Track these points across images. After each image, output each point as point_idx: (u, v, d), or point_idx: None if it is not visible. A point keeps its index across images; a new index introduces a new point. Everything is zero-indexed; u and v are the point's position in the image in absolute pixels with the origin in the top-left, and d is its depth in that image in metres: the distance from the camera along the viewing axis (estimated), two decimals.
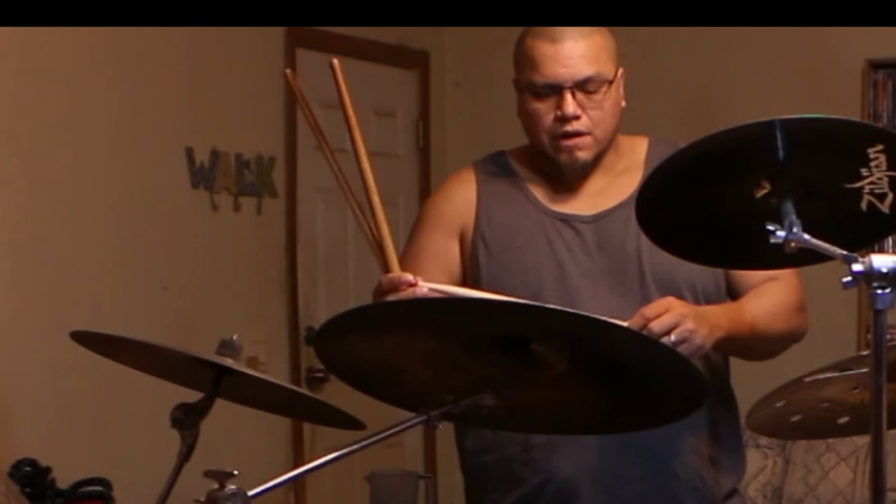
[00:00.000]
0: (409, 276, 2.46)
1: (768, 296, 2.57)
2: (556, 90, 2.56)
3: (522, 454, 2.60)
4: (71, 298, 3.99)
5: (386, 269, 2.49)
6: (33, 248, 3.94)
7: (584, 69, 2.55)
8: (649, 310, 2.38)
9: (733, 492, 2.69)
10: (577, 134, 2.57)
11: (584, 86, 2.56)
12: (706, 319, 2.42)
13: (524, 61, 2.60)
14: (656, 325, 2.35)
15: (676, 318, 2.37)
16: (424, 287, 2.45)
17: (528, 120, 2.61)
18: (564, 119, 2.56)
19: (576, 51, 2.55)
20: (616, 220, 2.60)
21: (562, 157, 2.59)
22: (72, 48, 4.03)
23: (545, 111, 2.58)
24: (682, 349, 2.33)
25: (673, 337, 2.35)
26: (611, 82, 2.58)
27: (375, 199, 2.51)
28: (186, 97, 4.46)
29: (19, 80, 3.90)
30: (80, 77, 4.08)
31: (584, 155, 2.59)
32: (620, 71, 2.62)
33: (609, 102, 2.58)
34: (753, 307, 2.55)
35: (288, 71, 2.61)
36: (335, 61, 2.54)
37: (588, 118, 2.57)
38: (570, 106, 2.55)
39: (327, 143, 2.58)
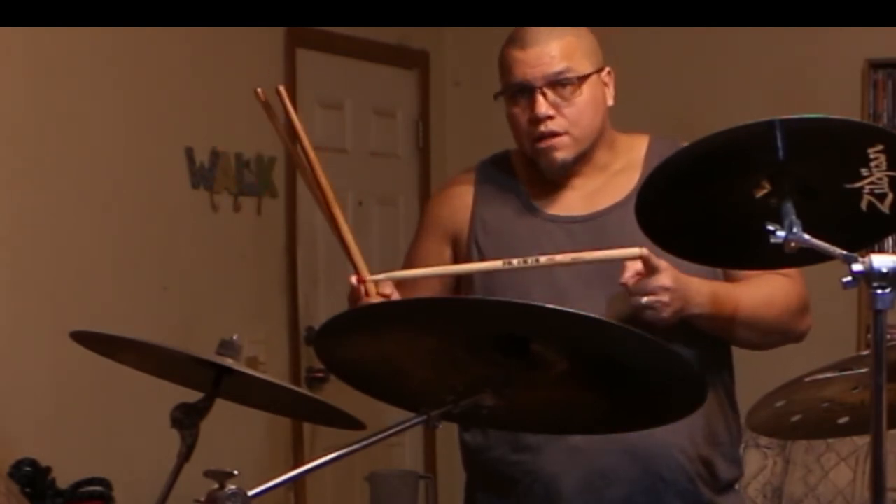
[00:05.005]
0: (352, 278, 2.52)
1: (766, 286, 2.56)
2: (528, 91, 2.56)
3: (511, 454, 2.61)
4: (71, 298, 3.99)
5: (356, 271, 2.53)
6: (33, 247, 3.94)
7: (553, 66, 2.55)
8: (647, 264, 2.39)
9: (730, 491, 2.69)
10: (553, 134, 2.57)
11: (555, 84, 2.55)
12: (683, 295, 2.44)
13: (501, 69, 2.62)
14: (633, 283, 2.39)
15: (656, 288, 2.39)
16: (370, 281, 2.50)
17: (511, 126, 2.63)
18: (537, 120, 2.56)
19: (545, 51, 2.56)
20: (611, 219, 2.59)
21: (541, 159, 2.60)
22: (72, 48, 4.03)
23: (521, 115, 2.59)
24: (646, 314, 2.38)
25: (643, 300, 2.38)
26: (584, 77, 2.57)
27: (337, 210, 2.53)
28: (186, 97, 4.46)
29: (19, 80, 3.90)
30: (80, 77, 4.08)
31: (561, 155, 2.59)
32: (606, 70, 2.62)
33: (584, 99, 2.57)
34: (744, 293, 2.54)
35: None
36: (281, 88, 2.54)
37: (563, 117, 2.56)
38: (542, 106, 2.55)
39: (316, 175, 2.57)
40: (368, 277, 2.49)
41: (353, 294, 2.53)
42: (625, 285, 2.41)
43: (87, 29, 3.96)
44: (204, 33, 4.41)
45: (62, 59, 4.02)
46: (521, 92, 2.57)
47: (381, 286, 2.51)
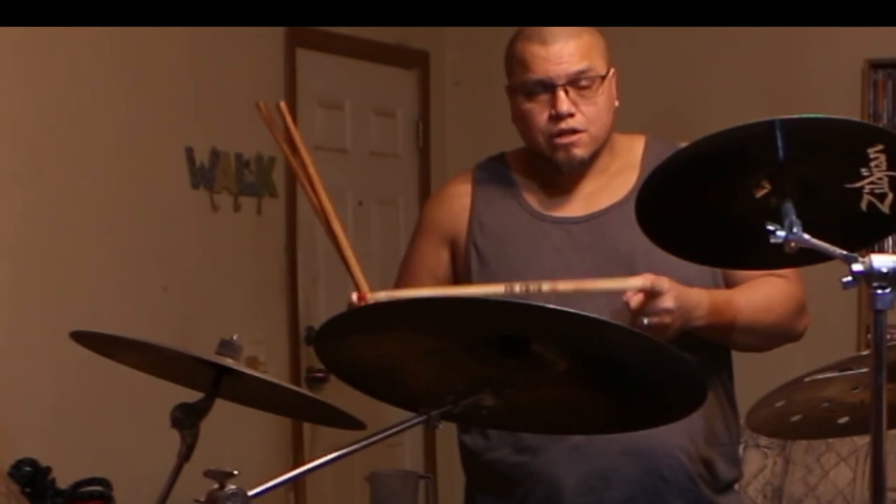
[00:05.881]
0: (353, 296, 2.47)
1: (763, 290, 2.57)
2: (548, 88, 2.56)
3: (512, 456, 2.61)
4: (71, 298, 3.99)
5: (356, 288, 2.50)
6: (33, 247, 3.94)
7: (575, 64, 2.56)
8: (650, 285, 2.38)
9: (730, 492, 2.69)
10: (573, 132, 2.57)
11: (576, 81, 2.56)
12: (685, 314, 2.44)
13: (515, 64, 2.61)
14: (635, 304, 2.38)
15: (659, 311, 2.39)
16: (371, 299, 2.46)
17: (523, 122, 2.62)
18: (559, 117, 2.56)
19: (566, 49, 2.56)
20: (609, 220, 2.60)
21: (558, 155, 2.59)
22: (72, 48, 4.03)
23: (539, 111, 2.58)
24: (647, 332, 2.36)
25: (645, 321, 2.38)
26: (603, 77, 2.58)
27: (336, 226, 2.51)
28: (186, 97, 4.46)
29: (19, 80, 3.90)
30: (80, 77, 4.08)
31: (580, 152, 2.59)
32: (612, 71, 2.62)
33: (603, 98, 2.58)
34: (742, 300, 2.55)
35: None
36: (282, 104, 2.54)
37: (582, 115, 2.57)
38: (564, 103, 2.56)
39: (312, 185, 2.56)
40: (369, 295, 2.47)
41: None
42: (626, 304, 2.40)
43: (87, 29, 3.96)
44: (204, 33, 4.41)
45: (62, 59, 4.02)
46: (540, 89, 2.58)
47: None
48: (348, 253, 2.51)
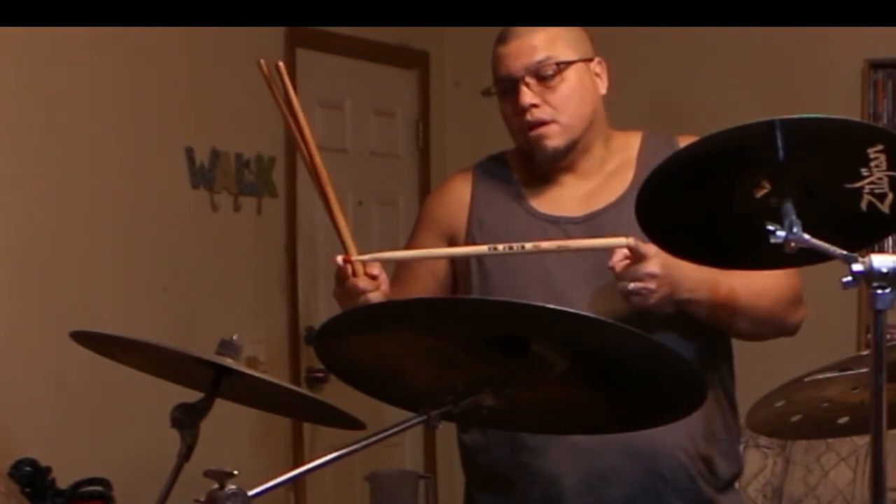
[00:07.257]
0: (338, 258, 2.52)
1: (758, 276, 2.54)
2: (512, 84, 2.58)
3: (511, 455, 2.61)
4: (71, 298, 3.99)
5: (345, 250, 2.54)
6: (33, 247, 3.94)
7: (534, 56, 2.57)
8: (635, 251, 2.39)
9: (731, 490, 2.69)
10: (541, 123, 2.58)
11: (537, 72, 2.57)
12: (671, 281, 2.42)
13: (491, 68, 2.64)
14: (620, 269, 2.39)
15: (643, 275, 2.38)
16: (357, 261, 2.51)
17: (505, 123, 2.64)
18: (522, 110, 2.57)
19: (525, 42, 2.58)
20: (606, 220, 2.59)
21: (533, 149, 2.61)
22: (71, 48, 4.03)
23: (511, 109, 2.60)
24: (632, 300, 2.39)
25: (630, 286, 2.38)
26: (566, 64, 2.58)
27: (329, 190, 2.53)
28: (186, 97, 4.46)
29: (18, 80, 3.90)
30: (80, 77, 4.08)
31: (552, 143, 2.59)
32: (596, 60, 2.63)
33: (568, 86, 2.58)
34: (736, 281, 2.53)
35: (266, 62, 2.59)
36: (281, 64, 2.54)
37: (548, 105, 2.57)
38: (526, 96, 2.57)
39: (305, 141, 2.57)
40: (355, 257, 2.50)
41: (340, 274, 2.53)
42: (612, 269, 2.41)
43: (86, 29, 3.96)
44: (204, 33, 4.41)
45: (62, 58, 4.02)
46: (508, 86, 2.59)
47: (369, 267, 2.52)
48: (338, 215, 2.53)
